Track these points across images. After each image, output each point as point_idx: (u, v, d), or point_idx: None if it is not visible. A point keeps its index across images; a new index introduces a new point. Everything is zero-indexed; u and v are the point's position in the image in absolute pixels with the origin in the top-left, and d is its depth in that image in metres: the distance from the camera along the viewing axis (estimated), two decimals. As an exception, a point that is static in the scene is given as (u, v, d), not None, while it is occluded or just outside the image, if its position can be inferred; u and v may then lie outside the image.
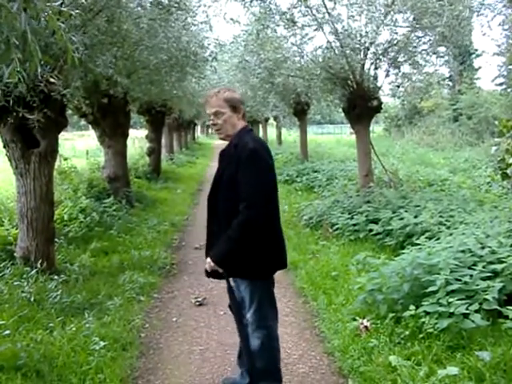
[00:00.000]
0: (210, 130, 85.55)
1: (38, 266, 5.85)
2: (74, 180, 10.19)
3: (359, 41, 9.19)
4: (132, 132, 14.35)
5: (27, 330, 4.49)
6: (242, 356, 3.77)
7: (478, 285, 4.48)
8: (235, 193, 3.29)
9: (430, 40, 9.05)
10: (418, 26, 8.71)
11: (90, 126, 12.06)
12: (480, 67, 38.45)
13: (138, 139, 22.35)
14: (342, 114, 11.34)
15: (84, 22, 5.52)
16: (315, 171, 15.56)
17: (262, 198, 3.28)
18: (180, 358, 4.50)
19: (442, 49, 9.63)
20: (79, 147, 24.75)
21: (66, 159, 10.78)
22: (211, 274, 3.53)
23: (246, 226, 3.28)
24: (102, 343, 4.34)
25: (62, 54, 5.03)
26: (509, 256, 4.83)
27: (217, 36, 25.23)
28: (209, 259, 3.46)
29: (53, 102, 5.71)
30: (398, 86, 9.94)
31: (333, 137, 47.22)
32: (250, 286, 3.48)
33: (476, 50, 35.65)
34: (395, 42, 9.13)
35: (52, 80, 5.14)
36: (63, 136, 9.54)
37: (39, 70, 2.78)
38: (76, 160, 12.79)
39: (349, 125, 13.00)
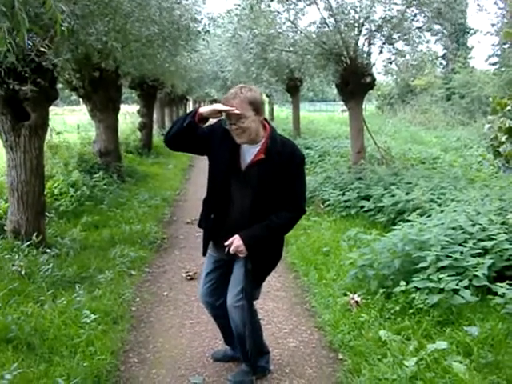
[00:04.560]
0: (202, 106, 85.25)
1: (29, 239, 5.83)
2: (64, 154, 10.12)
3: (353, 16, 9.12)
4: (123, 107, 14.25)
5: (18, 303, 4.48)
6: (229, 338, 3.84)
7: (468, 261, 4.53)
8: (282, 197, 3.29)
9: (425, 16, 8.98)
10: (413, 1, 8.63)
11: (80, 101, 11.96)
12: (473, 46, 38.38)
13: (129, 114, 22.20)
14: (335, 92, 11.31)
15: (75, -9, 5.42)
16: (307, 148, 15.52)
17: (305, 197, 3.44)
18: (171, 332, 4.52)
19: (436, 27, 9.57)
20: (70, 122, 24.54)
21: (58, 133, 10.68)
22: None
23: (288, 226, 3.41)
24: (93, 316, 4.34)
25: (52, 25, 4.95)
26: (499, 233, 4.88)
27: (210, 10, 24.99)
28: (238, 241, 3.24)
29: (44, 72, 5.63)
30: (391, 63, 9.90)
31: (325, 114, 47.09)
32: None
33: (471, 28, 35.51)
34: (390, 18, 9.05)
35: (42, 49, 5.06)
36: (53, 111, 9.45)
37: (28, 40, 2.73)
38: (67, 135, 12.71)
39: (341, 103, 12.95)
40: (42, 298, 4.66)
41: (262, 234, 3.29)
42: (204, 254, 3.62)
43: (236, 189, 3.33)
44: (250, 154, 3.30)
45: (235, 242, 3.24)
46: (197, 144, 3.34)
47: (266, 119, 3.35)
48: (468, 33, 36.32)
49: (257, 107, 3.16)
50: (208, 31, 10.10)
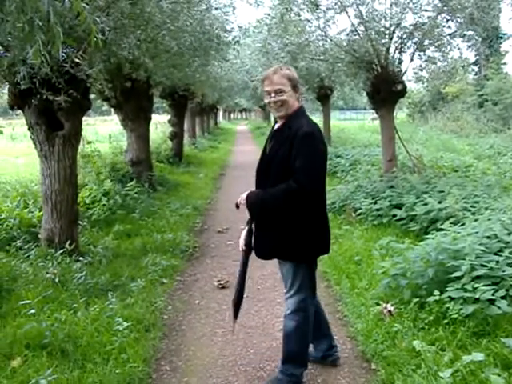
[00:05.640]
0: (232, 115, 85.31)
1: (62, 247, 5.91)
2: (96, 163, 10.25)
3: (384, 24, 9.06)
4: (154, 117, 14.38)
5: (51, 310, 4.56)
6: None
7: (504, 271, 4.41)
8: (287, 173, 3.31)
9: (457, 22, 8.87)
10: (445, 8, 8.53)
11: (112, 111, 12.13)
12: (507, 52, 37.70)
13: (160, 124, 22.43)
14: (365, 100, 11.24)
15: (107, 4, 5.51)
16: (338, 156, 15.43)
17: (311, 176, 3.31)
18: (202, 340, 4.52)
19: (469, 32, 9.43)
20: (102, 132, 24.92)
21: (89, 142, 10.85)
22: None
23: (289, 195, 3.31)
24: (126, 324, 4.37)
25: (86, 37, 5.03)
26: (536, 242, 4.75)
27: (239, 19, 25.24)
28: (244, 195, 3.51)
29: (77, 83, 5.73)
30: (422, 70, 9.78)
31: (355, 123, 46.84)
32: (293, 268, 3.52)
33: (505, 33, 34.88)
34: (421, 25, 8.96)
35: (77, 60, 5.15)
36: (86, 121, 9.58)
37: (62, 52, 2.77)
38: (99, 144, 12.89)
39: (371, 111, 12.86)
40: (75, 305, 4.73)
41: (263, 198, 3.44)
42: None
43: None
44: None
45: (243, 198, 3.52)
46: None
47: (303, 106, 3.56)
48: (501, 38, 35.72)
49: (294, 84, 3.44)
50: (238, 41, 10.18)
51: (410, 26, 9.08)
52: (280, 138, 3.45)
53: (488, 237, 5.05)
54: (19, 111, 6.31)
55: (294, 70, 3.54)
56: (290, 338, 3.60)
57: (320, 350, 3.99)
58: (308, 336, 3.69)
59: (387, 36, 9.19)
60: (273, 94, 3.40)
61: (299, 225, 3.40)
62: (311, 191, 3.31)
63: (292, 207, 3.35)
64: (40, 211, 6.79)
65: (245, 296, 5.45)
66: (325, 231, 3.59)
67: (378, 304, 4.78)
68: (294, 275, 3.53)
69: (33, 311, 4.42)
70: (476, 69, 36.88)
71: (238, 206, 3.57)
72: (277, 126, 3.56)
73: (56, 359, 3.83)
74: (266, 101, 3.48)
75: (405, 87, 9.72)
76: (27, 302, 4.52)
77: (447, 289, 4.36)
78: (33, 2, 2.52)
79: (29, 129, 6.17)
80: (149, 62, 6.38)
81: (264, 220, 3.52)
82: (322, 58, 10.12)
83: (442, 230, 5.46)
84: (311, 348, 3.99)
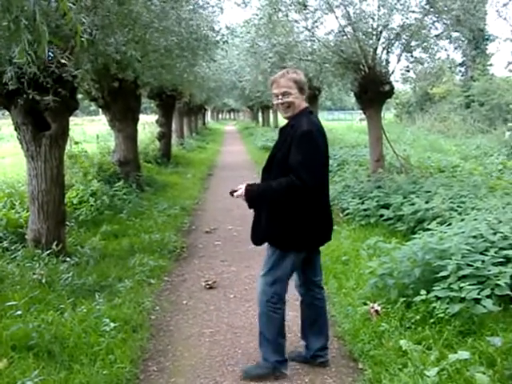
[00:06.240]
0: (220, 116, 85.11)
1: (49, 248, 5.88)
2: (84, 164, 10.20)
3: (372, 25, 9.10)
4: (142, 117, 14.34)
5: (38, 311, 4.52)
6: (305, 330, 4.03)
7: (489, 270, 4.44)
8: (285, 170, 3.44)
9: (444, 24, 8.93)
10: (431, 9, 8.59)
11: (100, 111, 12.08)
12: (493, 53, 37.98)
13: (148, 124, 22.35)
14: (353, 101, 11.27)
15: (94, 3, 5.48)
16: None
17: (312, 173, 3.42)
18: (190, 341, 4.52)
19: (455, 34, 9.50)
20: (89, 132, 24.79)
21: (77, 143, 10.80)
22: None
23: (290, 189, 3.43)
24: (113, 325, 4.35)
25: (72, 36, 5.01)
26: (521, 241, 4.79)
27: (227, 20, 25.25)
28: (243, 187, 3.61)
29: (64, 83, 5.70)
30: (408, 71, 9.85)
31: (343, 123, 46.93)
32: (275, 254, 3.66)
33: (490, 35, 35.15)
34: (408, 26, 9.01)
35: (63, 61, 5.12)
36: (73, 121, 9.50)
37: (49, 52, 2.76)
38: (86, 145, 12.81)
39: (359, 111, 12.89)
40: (62, 306, 4.70)
41: (263, 190, 3.62)
42: None
43: None
44: None
45: (242, 189, 3.62)
46: None
47: (309, 107, 3.70)
48: (487, 40, 35.97)
49: (300, 86, 3.62)
50: (226, 41, 10.17)
51: (397, 26, 9.14)
52: (282, 137, 3.65)
53: (474, 236, 5.08)
54: (5, 111, 6.27)
55: (301, 73, 3.72)
56: (260, 317, 3.79)
57: (311, 349, 4.00)
58: (278, 326, 3.78)
59: (374, 37, 9.24)
60: (280, 97, 3.60)
61: (294, 216, 3.53)
62: (313, 186, 3.43)
63: (290, 201, 3.49)
64: (27, 212, 6.75)
65: (231, 296, 5.52)
66: (320, 226, 3.74)
67: (365, 304, 4.79)
68: (274, 262, 3.68)
69: (19, 312, 4.38)
70: (463, 70, 37.17)
71: (232, 194, 3.67)
72: (283, 125, 3.77)
73: (43, 360, 3.80)
74: (275, 103, 3.69)
75: (392, 88, 9.77)
76: (14, 303, 4.49)
77: (434, 288, 4.39)
78: (18, 1, 2.51)
79: (15, 129, 6.13)
80: (136, 55, 6.35)
81: (261, 209, 3.68)
82: (309, 58, 10.13)
83: (428, 229, 5.50)
84: (302, 348, 4.04)
